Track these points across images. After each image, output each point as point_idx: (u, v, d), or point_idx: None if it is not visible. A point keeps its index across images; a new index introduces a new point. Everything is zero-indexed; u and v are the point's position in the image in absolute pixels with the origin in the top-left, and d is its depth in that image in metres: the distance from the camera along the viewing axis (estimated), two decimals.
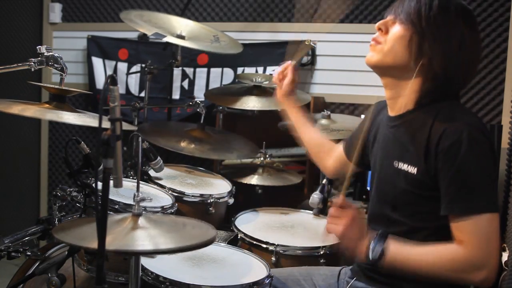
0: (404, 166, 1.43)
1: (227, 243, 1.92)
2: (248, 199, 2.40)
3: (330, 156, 1.88)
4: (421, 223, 1.41)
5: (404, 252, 1.38)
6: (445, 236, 1.36)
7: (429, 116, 1.38)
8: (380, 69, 1.48)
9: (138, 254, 1.33)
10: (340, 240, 1.44)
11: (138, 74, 3.23)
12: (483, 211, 1.31)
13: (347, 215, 1.42)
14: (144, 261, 1.55)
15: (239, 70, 3.09)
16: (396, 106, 1.49)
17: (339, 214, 1.43)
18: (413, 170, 1.40)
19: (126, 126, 1.43)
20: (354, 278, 1.56)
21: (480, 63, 1.47)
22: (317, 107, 2.79)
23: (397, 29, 1.42)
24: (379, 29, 1.46)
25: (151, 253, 1.43)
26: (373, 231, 1.47)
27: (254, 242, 1.90)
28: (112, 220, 1.30)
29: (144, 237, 1.24)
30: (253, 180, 2.39)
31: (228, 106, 2.47)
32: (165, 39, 2.28)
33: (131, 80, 3.33)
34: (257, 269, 1.65)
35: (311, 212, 2.18)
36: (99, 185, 1.12)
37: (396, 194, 1.46)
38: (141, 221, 1.30)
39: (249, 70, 3.06)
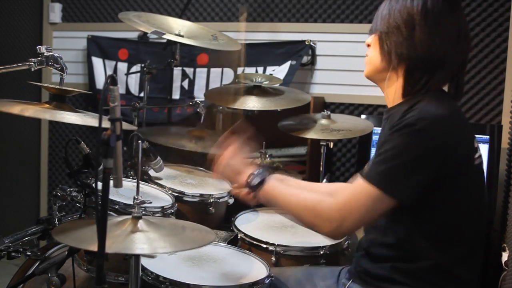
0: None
1: (227, 243, 1.91)
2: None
3: None
4: (398, 216, 1.41)
5: (279, 189, 1.53)
6: (424, 229, 1.38)
7: (406, 107, 1.41)
8: (371, 78, 1.59)
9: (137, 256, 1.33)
10: (223, 170, 1.59)
11: (138, 74, 3.22)
12: (369, 179, 1.35)
13: (228, 148, 1.59)
14: (144, 261, 1.55)
15: (239, 70, 3.08)
16: (390, 102, 1.56)
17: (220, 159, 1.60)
18: None
19: (126, 126, 1.43)
20: (351, 280, 1.57)
21: (457, 46, 1.46)
22: (317, 107, 2.79)
23: (371, 40, 1.55)
24: (368, 45, 1.57)
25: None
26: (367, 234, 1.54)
27: (254, 242, 1.89)
28: (112, 223, 1.30)
29: (143, 240, 1.24)
30: None
31: (228, 106, 2.47)
32: (164, 37, 2.28)
33: (131, 80, 3.33)
34: (257, 269, 1.65)
35: None
36: (99, 185, 1.12)
37: None
38: (141, 224, 1.30)
39: (249, 70, 3.06)
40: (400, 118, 1.38)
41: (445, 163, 1.34)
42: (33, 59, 1.67)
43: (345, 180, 3.01)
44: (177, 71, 3.16)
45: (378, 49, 1.51)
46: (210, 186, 2.25)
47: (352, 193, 1.39)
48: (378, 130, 2.57)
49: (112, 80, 1.13)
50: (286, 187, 1.56)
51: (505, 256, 1.88)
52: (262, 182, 1.52)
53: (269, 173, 1.55)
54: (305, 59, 3.00)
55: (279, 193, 1.52)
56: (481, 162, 1.48)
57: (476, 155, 1.45)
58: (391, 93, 1.53)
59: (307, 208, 1.45)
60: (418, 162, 1.33)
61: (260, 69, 3.04)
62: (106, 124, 1.10)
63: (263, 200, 1.56)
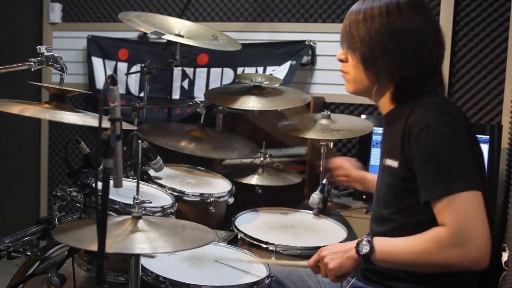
0: (389, 162, 1.46)
1: (227, 243, 1.92)
2: (248, 199, 2.40)
3: None
4: (411, 218, 1.42)
5: (390, 242, 1.40)
6: (426, 227, 1.37)
7: (408, 109, 1.42)
8: (358, 94, 1.59)
9: (137, 256, 1.33)
10: (339, 268, 1.45)
11: (138, 74, 3.22)
12: (460, 190, 1.30)
13: (323, 256, 1.47)
14: (144, 261, 1.55)
15: (239, 70, 3.08)
16: (384, 108, 1.57)
17: (321, 262, 1.48)
18: (394, 164, 1.43)
19: (126, 126, 1.43)
20: (354, 278, 1.57)
21: (439, 50, 1.48)
22: (317, 107, 2.79)
23: (350, 59, 1.53)
24: (341, 60, 1.56)
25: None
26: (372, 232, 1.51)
27: (254, 242, 1.89)
28: (112, 223, 1.30)
29: (143, 240, 1.24)
30: (253, 180, 2.39)
31: (228, 106, 2.47)
32: (164, 37, 2.29)
33: (131, 80, 3.33)
34: (257, 269, 1.65)
35: (311, 212, 2.18)
36: (99, 185, 1.12)
37: (386, 191, 1.49)
38: (141, 224, 1.30)
39: (249, 70, 3.06)
40: (415, 124, 1.36)
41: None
42: (33, 59, 1.67)
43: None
44: (177, 71, 3.16)
45: (362, 70, 1.50)
46: (210, 186, 2.25)
47: (455, 211, 1.31)
48: (378, 130, 2.57)
49: (112, 80, 1.13)
50: (392, 239, 1.41)
51: (505, 256, 1.88)
52: (371, 245, 1.40)
53: (370, 237, 1.43)
54: (305, 59, 2.99)
55: (394, 247, 1.39)
56: (484, 157, 1.48)
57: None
58: (384, 102, 1.54)
59: (431, 249, 1.32)
60: (469, 148, 1.35)
61: (260, 69, 3.04)
62: (106, 124, 1.10)
63: (382, 264, 1.41)
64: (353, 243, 1.44)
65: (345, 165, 2.11)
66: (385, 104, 1.54)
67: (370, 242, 1.40)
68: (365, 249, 1.40)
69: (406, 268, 1.40)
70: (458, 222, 1.30)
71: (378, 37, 1.44)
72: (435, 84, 1.49)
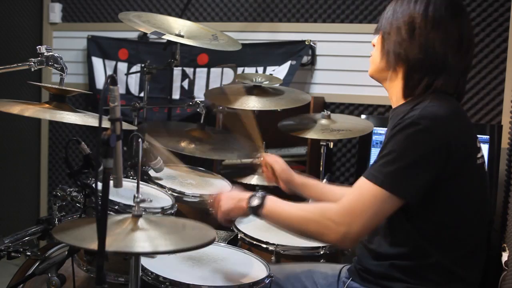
0: None
1: (227, 243, 1.91)
2: None
3: None
4: (398, 215, 1.40)
5: (280, 203, 1.50)
6: (424, 228, 1.38)
7: (409, 107, 1.42)
8: (375, 77, 1.59)
9: (137, 254, 1.33)
10: (228, 213, 1.60)
11: (138, 74, 3.22)
12: (376, 182, 1.33)
13: (220, 196, 1.62)
14: (144, 261, 1.55)
15: (239, 70, 3.08)
16: (393, 103, 1.57)
17: (217, 200, 1.62)
18: None
19: (126, 126, 1.43)
20: (350, 278, 1.57)
21: (459, 51, 1.45)
22: (317, 107, 2.79)
23: (375, 39, 1.57)
24: (373, 45, 1.59)
25: (150, 254, 1.43)
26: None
27: (254, 242, 1.90)
28: (112, 221, 1.30)
29: (144, 238, 1.24)
30: (253, 180, 2.39)
31: (228, 106, 2.47)
32: (164, 37, 2.29)
33: (131, 80, 3.33)
34: (257, 269, 1.65)
35: None
36: (99, 185, 1.12)
37: None
38: (141, 222, 1.30)
39: (249, 70, 3.06)
40: (402, 118, 1.38)
41: (448, 162, 1.34)
42: (33, 59, 1.67)
43: (345, 180, 3.01)
44: (177, 71, 3.16)
45: (380, 48, 1.53)
46: (210, 186, 2.25)
47: (357, 196, 1.37)
48: (378, 130, 2.58)
49: (112, 80, 1.13)
50: (289, 202, 1.50)
51: (505, 256, 1.88)
52: (263, 201, 1.50)
53: (264, 194, 1.53)
54: (305, 59, 3.00)
55: (282, 208, 1.49)
56: (484, 162, 1.48)
57: (479, 155, 1.45)
58: (393, 93, 1.54)
59: (312, 218, 1.41)
60: (423, 161, 1.33)
61: (260, 69, 3.04)
62: (106, 124, 1.10)
63: (266, 219, 1.53)
64: (248, 194, 1.54)
65: (274, 163, 2.00)
66: (395, 99, 1.54)
67: (263, 198, 1.50)
68: (255, 202, 1.50)
69: (285, 228, 1.50)
70: (347, 203, 1.36)
71: (398, 16, 1.47)
72: (444, 83, 1.45)
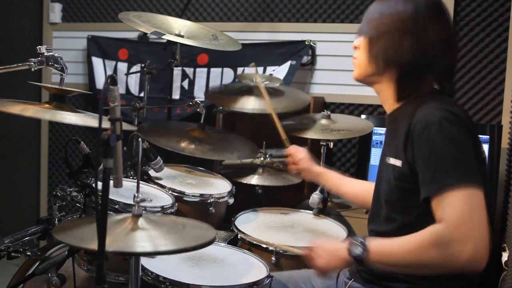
0: (392, 161, 1.46)
1: (227, 243, 1.92)
2: (248, 199, 2.39)
3: None
4: (412, 218, 1.41)
5: (384, 242, 1.37)
6: (424, 227, 1.35)
7: (412, 108, 1.42)
8: (362, 81, 1.59)
9: (137, 255, 1.33)
10: (326, 267, 1.46)
11: (138, 74, 3.22)
12: (459, 186, 1.28)
13: (314, 251, 1.48)
14: (144, 261, 1.55)
15: (239, 70, 3.09)
16: (387, 107, 1.57)
17: (311, 256, 1.48)
18: (398, 163, 1.43)
19: (126, 126, 1.43)
20: (352, 279, 1.57)
21: (445, 52, 1.46)
22: (317, 107, 2.79)
23: (359, 42, 1.55)
24: (355, 47, 1.57)
25: (151, 254, 1.43)
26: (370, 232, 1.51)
27: (254, 242, 1.90)
28: (112, 221, 1.30)
29: (144, 238, 1.24)
30: (253, 180, 2.39)
31: (228, 106, 2.47)
32: (164, 37, 2.29)
33: (131, 80, 3.33)
34: (257, 269, 1.65)
35: (311, 212, 2.18)
36: (99, 185, 1.12)
37: (387, 190, 1.48)
38: (141, 222, 1.30)
39: (249, 70, 3.06)
40: (418, 122, 1.36)
41: (476, 149, 1.37)
42: (33, 59, 1.67)
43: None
44: (177, 71, 3.16)
45: (367, 52, 1.51)
46: (210, 186, 2.25)
47: (452, 208, 1.28)
48: (378, 130, 2.57)
49: (112, 80, 1.13)
50: (386, 239, 1.38)
51: (505, 256, 1.88)
52: (365, 246, 1.36)
53: (362, 238, 1.39)
54: (305, 59, 3.00)
55: (390, 245, 1.35)
56: (486, 158, 1.49)
57: (483, 149, 1.46)
58: (387, 97, 1.54)
59: (428, 243, 1.29)
60: (471, 146, 1.34)
61: (260, 69, 3.04)
62: (106, 124, 1.10)
63: (376, 265, 1.38)
64: (345, 244, 1.42)
65: (297, 152, 2.06)
66: (389, 103, 1.54)
67: (363, 243, 1.37)
68: (358, 250, 1.36)
69: (402, 268, 1.37)
70: (456, 218, 1.26)
71: (387, 19, 1.46)
72: (431, 83, 1.48)
